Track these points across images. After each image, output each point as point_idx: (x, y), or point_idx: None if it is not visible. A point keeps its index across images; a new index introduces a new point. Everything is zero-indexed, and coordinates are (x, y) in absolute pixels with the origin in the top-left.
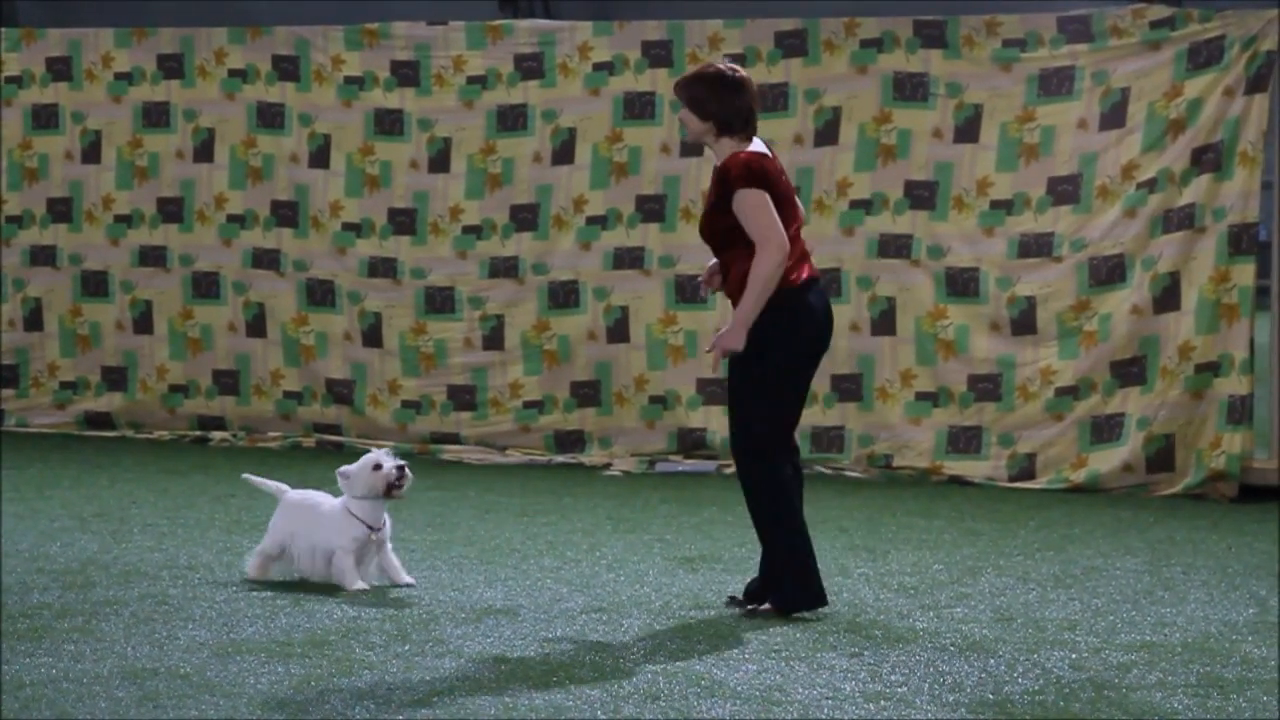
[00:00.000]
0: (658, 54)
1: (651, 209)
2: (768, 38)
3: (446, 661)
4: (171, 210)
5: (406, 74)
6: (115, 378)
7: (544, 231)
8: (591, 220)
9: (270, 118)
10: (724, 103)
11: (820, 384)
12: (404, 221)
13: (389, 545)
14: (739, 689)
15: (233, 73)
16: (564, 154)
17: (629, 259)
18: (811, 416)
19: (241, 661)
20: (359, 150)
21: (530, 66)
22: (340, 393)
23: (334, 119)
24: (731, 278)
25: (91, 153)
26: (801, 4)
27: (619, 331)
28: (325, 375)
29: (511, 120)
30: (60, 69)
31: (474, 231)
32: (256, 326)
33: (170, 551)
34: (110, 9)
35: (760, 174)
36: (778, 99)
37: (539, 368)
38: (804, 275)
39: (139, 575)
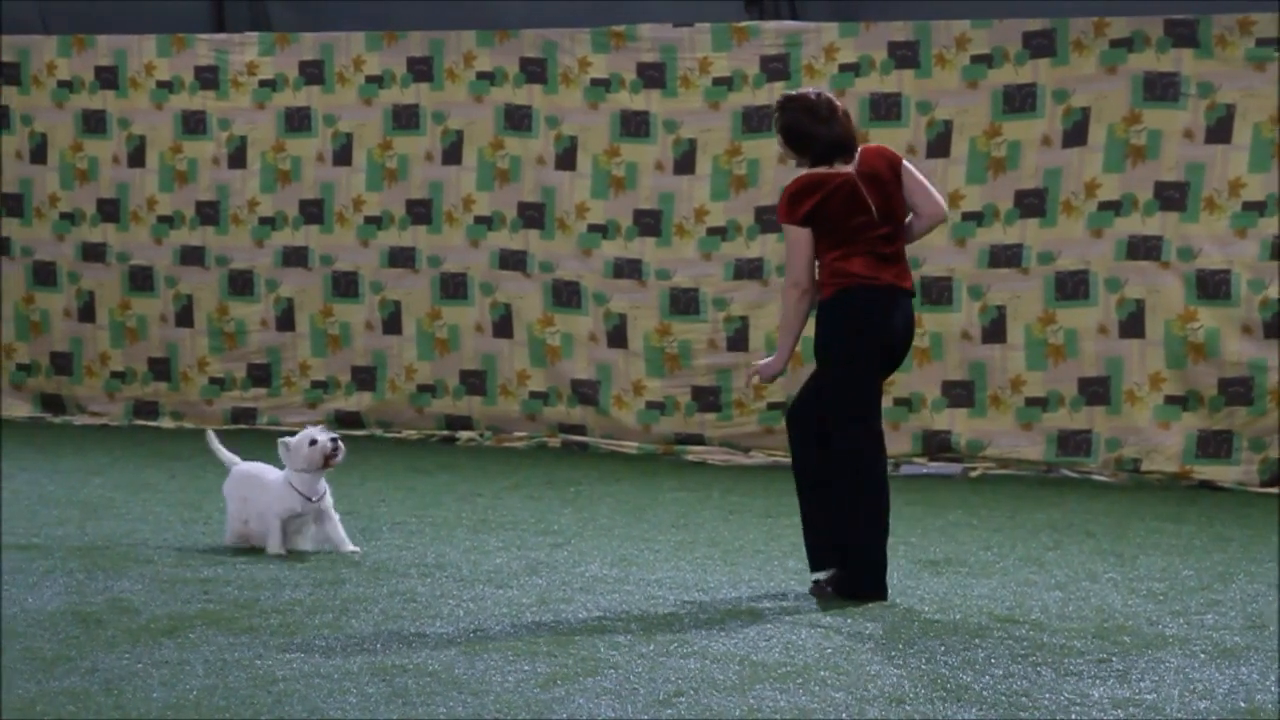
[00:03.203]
0: (904, 55)
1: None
2: (1015, 38)
3: (690, 662)
4: (420, 212)
5: (653, 76)
6: (364, 377)
7: (731, 235)
8: None
9: (518, 120)
10: (805, 131)
11: (1067, 387)
12: (649, 223)
13: (334, 516)
14: (984, 694)
15: (481, 75)
16: None
17: None
18: (1057, 420)
19: (488, 659)
20: (604, 152)
21: (776, 68)
22: (585, 393)
23: (580, 121)
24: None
25: (343, 155)
26: (1050, 4)
27: None
28: (570, 376)
29: (757, 121)
30: (313, 73)
31: (719, 233)
32: (503, 327)
33: (418, 549)
34: (362, 10)
35: (796, 200)
36: (1025, 99)
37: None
38: (879, 280)
39: (388, 573)
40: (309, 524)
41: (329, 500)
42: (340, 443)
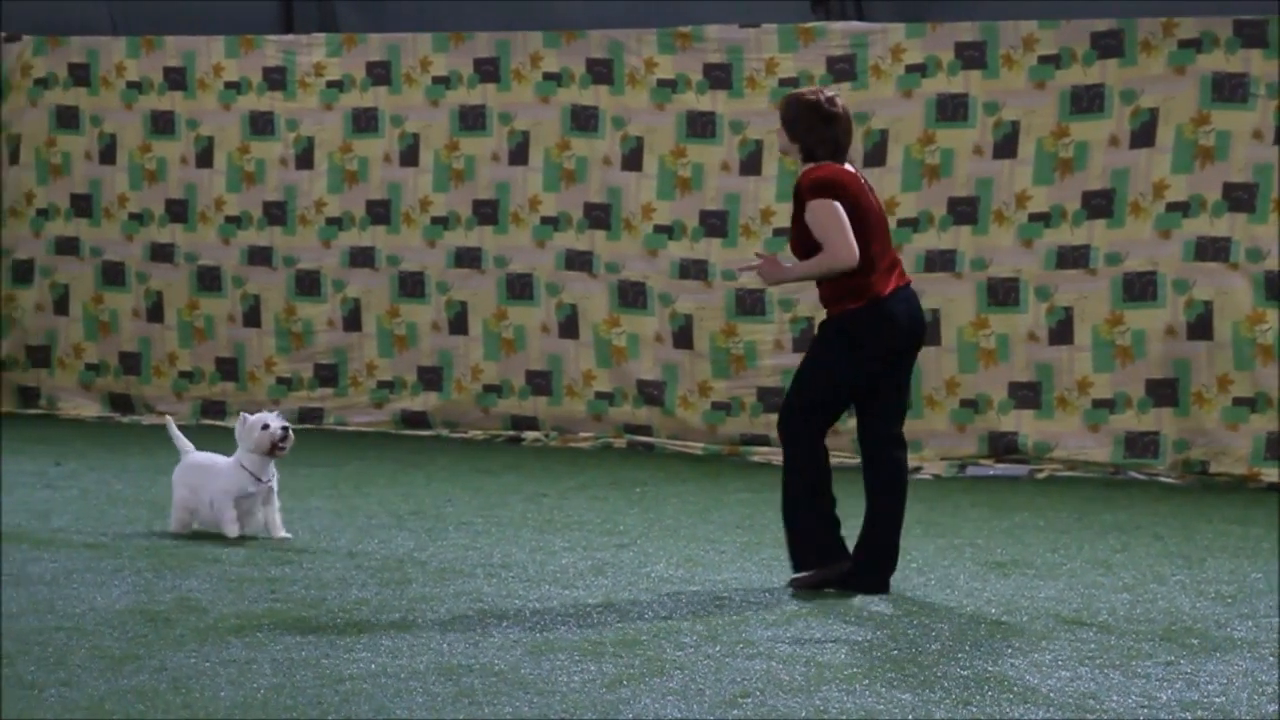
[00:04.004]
0: (971, 56)
1: (964, 211)
2: (1083, 38)
3: (757, 663)
4: (486, 213)
5: (719, 76)
6: (431, 377)
7: None
8: (903, 223)
9: (584, 121)
10: (812, 130)
11: (1135, 389)
12: (715, 224)
13: (276, 502)
14: (1051, 696)
15: (547, 76)
16: (876, 156)
17: (941, 262)
18: (1125, 421)
19: (554, 660)
20: (670, 153)
21: (842, 69)
22: (651, 394)
23: (647, 122)
24: (822, 292)
25: (409, 156)
26: (1118, 4)
27: (931, 334)
28: (636, 376)
29: None
30: (380, 74)
31: (784, 234)
32: (569, 327)
33: (484, 550)
34: (427, 9)
35: (831, 184)
36: (1093, 100)
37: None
38: (891, 286)
39: (454, 573)
40: (258, 506)
41: (275, 483)
42: (290, 432)
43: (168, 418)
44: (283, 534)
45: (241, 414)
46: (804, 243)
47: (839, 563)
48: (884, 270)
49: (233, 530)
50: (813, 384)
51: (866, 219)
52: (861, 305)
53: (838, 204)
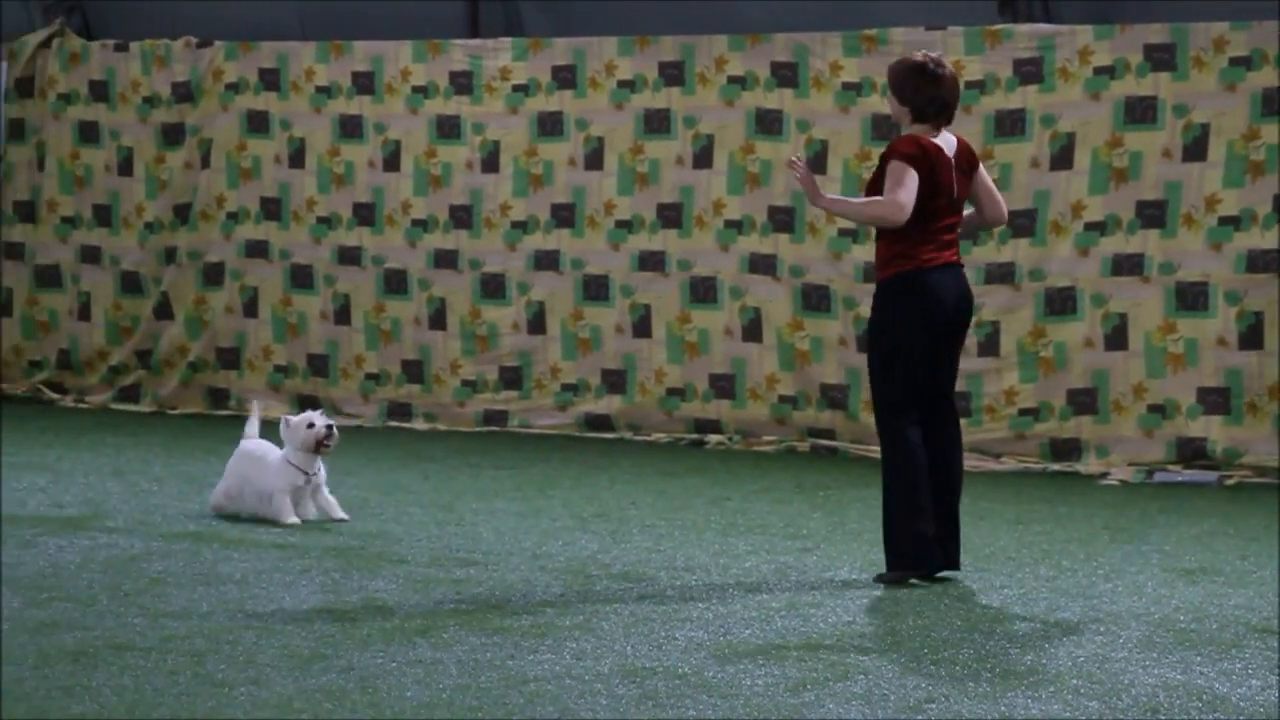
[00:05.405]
0: (1160, 58)
1: (1152, 215)
2: (1272, 39)
3: (941, 669)
4: (670, 216)
5: None
6: (614, 380)
7: (1041, 238)
8: (1090, 226)
9: (769, 124)
10: (920, 91)
11: None
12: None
13: (325, 489)
14: (1242, 705)
15: (732, 79)
16: (1063, 159)
17: (1128, 266)
18: None
19: (738, 663)
20: (855, 156)
21: (1029, 71)
22: (834, 398)
23: (831, 125)
24: (876, 252)
25: (594, 159)
26: None
27: (1117, 339)
28: (820, 380)
29: (1009, 125)
30: (565, 78)
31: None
32: (752, 331)
33: (668, 553)
34: (610, 10)
35: (918, 155)
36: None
37: (1035, 374)
38: (940, 260)
39: (637, 576)
40: (306, 497)
41: (323, 476)
42: (335, 430)
43: (254, 403)
44: (340, 515)
45: (284, 417)
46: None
47: (929, 563)
48: (936, 245)
49: (292, 520)
50: (879, 374)
51: (937, 196)
52: (906, 270)
53: (914, 171)
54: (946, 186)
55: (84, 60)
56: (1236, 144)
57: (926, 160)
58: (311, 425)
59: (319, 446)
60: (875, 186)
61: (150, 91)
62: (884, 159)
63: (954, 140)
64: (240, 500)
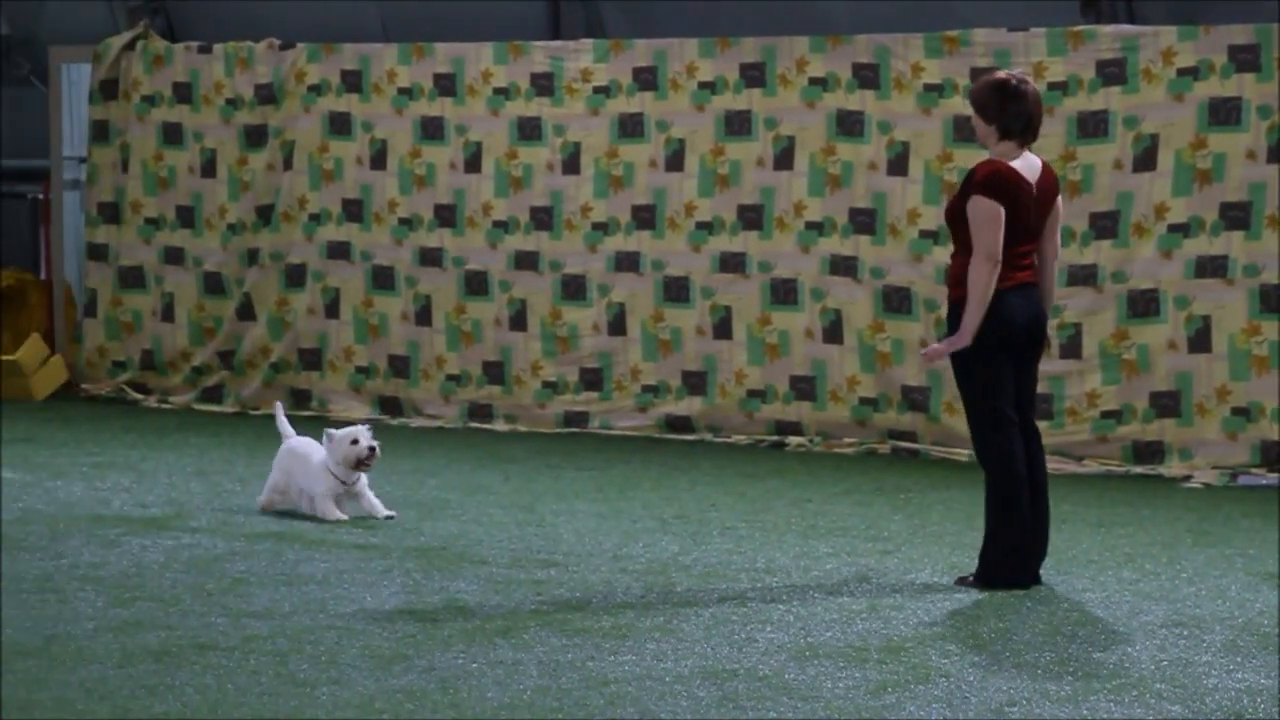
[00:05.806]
0: (1244, 59)
1: (1236, 217)
2: None
3: (1023, 672)
4: (751, 217)
5: None
6: (695, 382)
7: (1124, 240)
8: (1174, 228)
9: (849, 125)
10: (1003, 109)
11: None
12: None
13: (368, 493)
14: None
15: (813, 81)
16: (1146, 161)
17: (1212, 268)
18: None
19: (819, 665)
20: (937, 158)
21: (1112, 72)
22: (915, 400)
23: (912, 127)
24: (951, 270)
25: (674, 161)
26: None
27: (1200, 342)
28: (901, 382)
29: (1092, 126)
30: (646, 79)
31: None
32: (833, 333)
33: (748, 554)
34: (691, 10)
35: (1001, 186)
36: None
37: (1117, 377)
38: (1013, 280)
39: (718, 577)
40: (346, 499)
41: (365, 483)
42: (377, 450)
43: (277, 404)
44: (386, 512)
45: (326, 431)
46: (957, 227)
47: (1020, 578)
48: (1013, 267)
49: (337, 517)
50: (968, 399)
51: (1016, 224)
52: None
53: (1000, 208)
54: (1025, 215)
55: (168, 62)
56: None
57: (1008, 193)
58: (355, 442)
59: (359, 465)
60: (956, 212)
61: (233, 93)
62: (964, 186)
63: (1038, 165)
64: (289, 497)
